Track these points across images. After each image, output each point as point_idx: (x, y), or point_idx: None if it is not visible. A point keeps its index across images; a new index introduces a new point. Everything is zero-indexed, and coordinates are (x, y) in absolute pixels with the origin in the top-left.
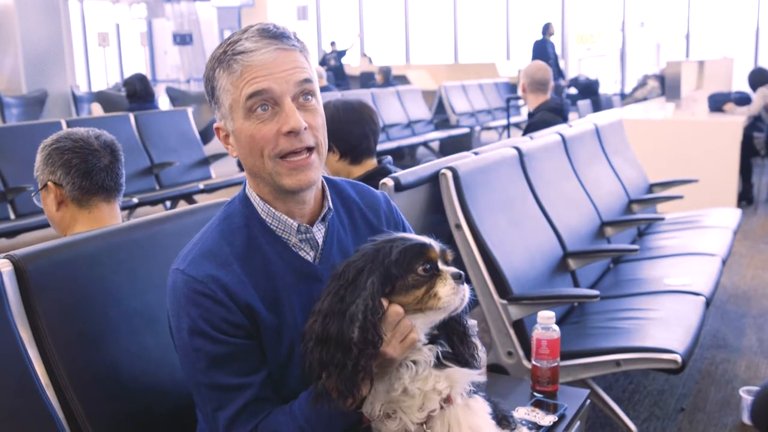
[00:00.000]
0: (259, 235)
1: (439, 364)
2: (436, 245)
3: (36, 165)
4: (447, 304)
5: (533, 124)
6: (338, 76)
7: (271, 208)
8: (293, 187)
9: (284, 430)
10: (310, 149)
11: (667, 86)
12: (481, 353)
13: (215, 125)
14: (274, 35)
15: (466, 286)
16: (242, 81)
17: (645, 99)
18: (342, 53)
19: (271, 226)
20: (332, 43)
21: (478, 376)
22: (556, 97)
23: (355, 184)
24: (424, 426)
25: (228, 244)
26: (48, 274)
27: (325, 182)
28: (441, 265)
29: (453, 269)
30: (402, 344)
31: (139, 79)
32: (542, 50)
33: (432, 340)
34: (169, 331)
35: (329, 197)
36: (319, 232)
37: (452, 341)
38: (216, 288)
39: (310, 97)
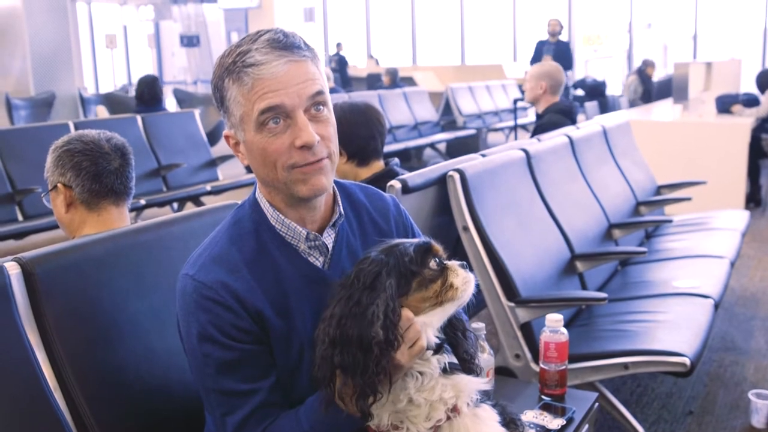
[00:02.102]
0: (269, 241)
1: (445, 371)
2: (434, 243)
3: (46, 166)
4: (463, 293)
5: (542, 126)
6: (342, 79)
7: (281, 216)
8: (308, 195)
9: None
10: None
11: (675, 88)
12: (489, 356)
13: (225, 133)
14: (285, 46)
15: (471, 275)
16: (254, 95)
17: (631, 100)
18: (345, 62)
19: (281, 233)
20: (338, 45)
21: (485, 384)
22: (565, 99)
23: (364, 187)
24: None
25: (237, 250)
26: (56, 277)
27: (336, 187)
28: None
29: (457, 261)
30: (410, 351)
31: (148, 82)
32: (538, 53)
33: (438, 348)
34: (179, 335)
35: (340, 202)
36: (329, 238)
37: (456, 338)
38: (226, 294)
39: (321, 107)
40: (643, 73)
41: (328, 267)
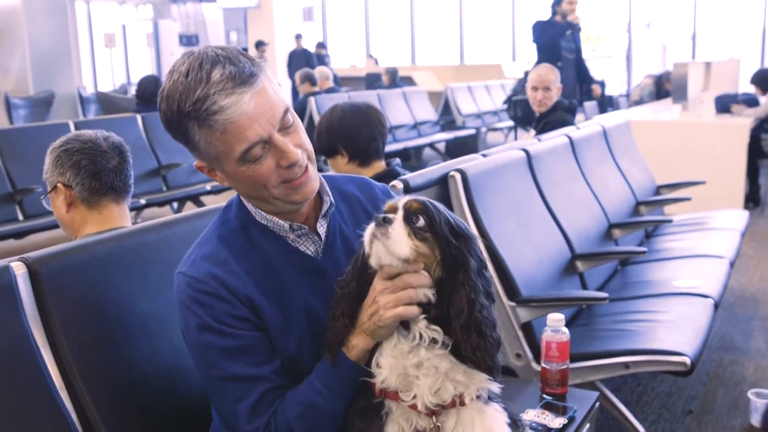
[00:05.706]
0: (257, 236)
1: (459, 357)
2: (399, 200)
3: (45, 167)
4: (368, 252)
5: (551, 123)
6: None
7: (264, 213)
8: (303, 200)
9: (303, 397)
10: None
11: (674, 87)
12: None
13: (195, 164)
14: (242, 80)
15: (388, 230)
16: (230, 137)
17: (641, 99)
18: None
19: (268, 225)
20: (298, 36)
21: (496, 386)
22: (563, 99)
23: (355, 178)
24: (434, 419)
25: (226, 247)
26: (61, 277)
27: (323, 179)
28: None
29: (385, 214)
30: (395, 297)
31: (151, 81)
32: (551, 45)
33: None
34: (182, 334)
35: (329, 192)
36: (321, 228)
37: (451, 326)
38: (216, 285)
39: (288, 117)
40: (660, 82)
41: (322, 256)
